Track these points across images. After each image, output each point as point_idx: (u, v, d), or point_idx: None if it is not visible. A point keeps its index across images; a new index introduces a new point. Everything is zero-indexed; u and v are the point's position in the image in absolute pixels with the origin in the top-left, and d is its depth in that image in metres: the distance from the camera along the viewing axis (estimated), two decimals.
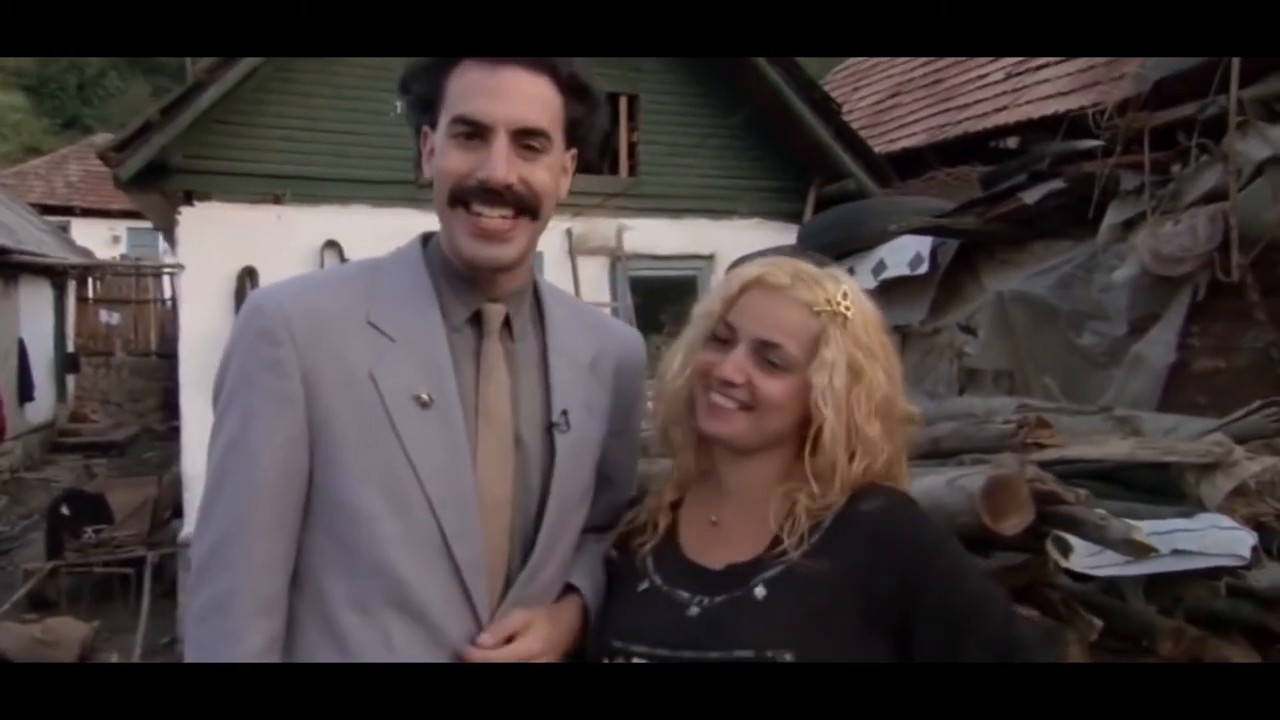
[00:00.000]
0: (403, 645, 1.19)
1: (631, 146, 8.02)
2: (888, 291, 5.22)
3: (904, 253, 5.28)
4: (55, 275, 14.37)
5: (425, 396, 1.20)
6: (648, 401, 1.47)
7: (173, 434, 10.95)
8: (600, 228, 7.72)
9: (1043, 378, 4.28)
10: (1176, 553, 1.57)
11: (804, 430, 1.25)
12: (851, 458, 1.21)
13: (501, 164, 1.19)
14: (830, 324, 1.23)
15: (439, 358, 1.23)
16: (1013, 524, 1.49)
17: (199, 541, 1.21)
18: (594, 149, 1.35)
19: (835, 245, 5.49)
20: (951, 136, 8.31)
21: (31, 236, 14.08)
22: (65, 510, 7.88)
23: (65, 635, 6.21)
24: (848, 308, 1.24)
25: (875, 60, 11.37)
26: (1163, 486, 1.82)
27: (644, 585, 1.27)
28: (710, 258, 7.90)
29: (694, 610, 1.21)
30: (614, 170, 8.03)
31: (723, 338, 1.26)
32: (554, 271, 7.25)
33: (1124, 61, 5.44)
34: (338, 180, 6.98)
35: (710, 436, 1.27)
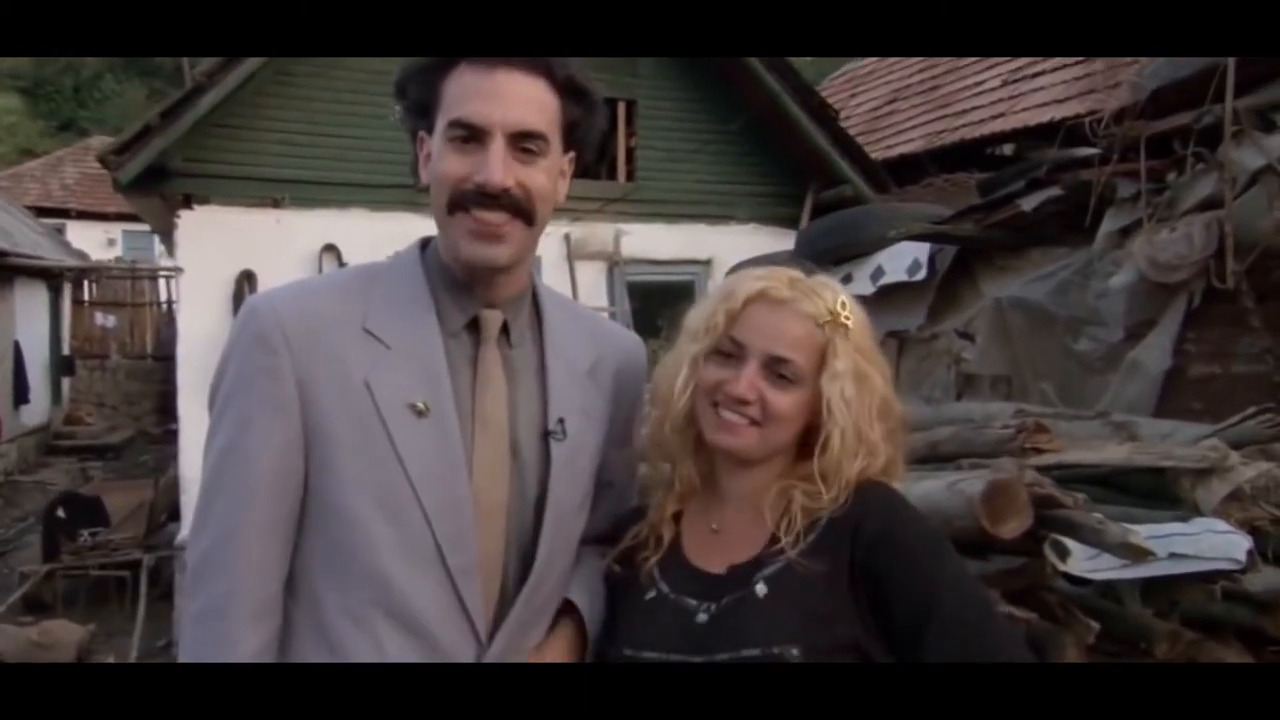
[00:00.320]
0: (396, 654, 1.18)
1: (629, 152, 8.04)
2: (886, 297, 5.23)
3: (902, 259, 5.29)
4: (51, 278, 14.33)
5: (421, 405, 1.20)
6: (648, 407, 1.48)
7: (168, 437, 10.95)
8: (598, 232, 7.73)
9: (1040, 383, 4.29)
10: (1173, 556, 1.58)
11: (804, 436, 1.27)
12: (853, 459, 1.23)
13: (498, 168, 1.19)
14: (835, 334, 1.25)
15: (435, 365, 1.23)
16: (1011, 528, 1.51)
17: (194, 546, 1.21)
18: (592, 151, 1.35)
19: (833, 251, 5.50)
20: (948, 143, 8.32)
21: (27, 239, 14.06)
22: (61, 513, 7.86)
23: (61, 638, 6.19)
24: (848, 317, 1.26)
25: (872, 66, 11.40)
26: (1159, 491, 1.83)
27: (651, 594, 1.29)
28: (707, 263, 7.92)
29: (702, 617, 1.23)
30: (612, 175, 8.05)
31: (729, 353, 1.28)
32: (552, 276, 7.27)
33: (1120, 69, 5.46)
34: (336, 184, 6.99)
35: (719, 449, 1.28)
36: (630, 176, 8.04)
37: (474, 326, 1.28)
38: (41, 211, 18.28)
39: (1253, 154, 3.55)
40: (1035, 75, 8.01)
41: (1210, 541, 1.62)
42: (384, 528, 1.18)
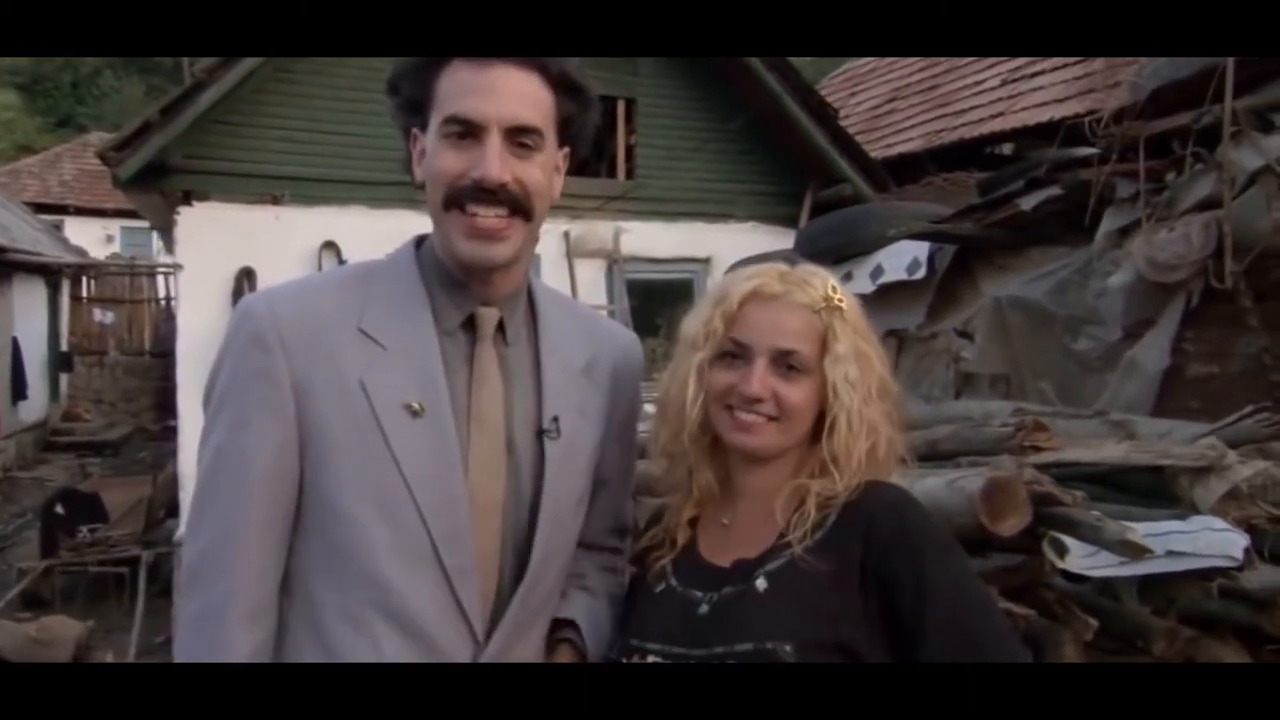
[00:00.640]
0: (393, 654, 1.18)
1: (629, 150, 8.04)
2: (885, 296, 5.24)
3: (902, 258, 5.29)
4: (49, 274, 14.32)
5: (416, 405, 1.20)
6: (645, 404, 1.48)
7: (166, 434, 10.95)
8: (597, 230, 7.73)
9: (1038, 382, 4.30)
10: (1170, 554, 1.59)
11: (816, 424, 1.28)
12: (860, 440, 1.25)
13: (495, 163, 1.18)
14: (832, 318, 1.27)
15: (430, 365, 1.23)
16: (1010, 525, 1.52)
17: (189, 547, 1.20)
18: (586, 146, 1.34)
19: (833, 250, 5.51)
20: (948, 142, 8.33)
21: (26, 235, 14.04)
22: (60, 509, 7.86)
23: (60, 634, 6.20)
24: (840, 299, 1.28)
25: (872, 65, 11.40)
26: (1157, 489, 1.84)
27: (661, 587, 1.31)
28: (706, 261, 7.92)
29: (704, 608, 1.24)
30: (611, 173, 8.05)
31: (733, 354, 1.28)
32: (551, 274, 7.27)
33: (1120, 69, 5.47)
34: (336, 181, 6.98)
35: (739, 449, 1.29)
36: (630, 174, 8.04)
37: (469, 324, 1.28)
38: (40, 208, 18.27)
39: (1251, 154, 3.56)
40: (1034, 75, 8.01)
41: (1208, 539, 1.63)
42: (380, 528, 1.18)
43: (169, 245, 8.35)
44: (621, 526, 1.50)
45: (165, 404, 12.34)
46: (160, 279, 15.92)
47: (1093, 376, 4.08)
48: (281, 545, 1.20)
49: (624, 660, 1.27)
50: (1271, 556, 1.73)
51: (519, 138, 1.20)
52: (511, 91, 1.20)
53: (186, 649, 1.19)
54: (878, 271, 5.42)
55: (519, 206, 1.21)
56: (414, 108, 1.25)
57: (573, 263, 7.61)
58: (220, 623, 1.16)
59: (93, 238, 19.13)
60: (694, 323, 1.33)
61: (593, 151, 8.03)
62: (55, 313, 14.84)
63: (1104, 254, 4.09)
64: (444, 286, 1.27)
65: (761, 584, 1.20)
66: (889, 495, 1.24)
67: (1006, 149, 8.10)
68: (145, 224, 11.19)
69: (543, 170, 1.24)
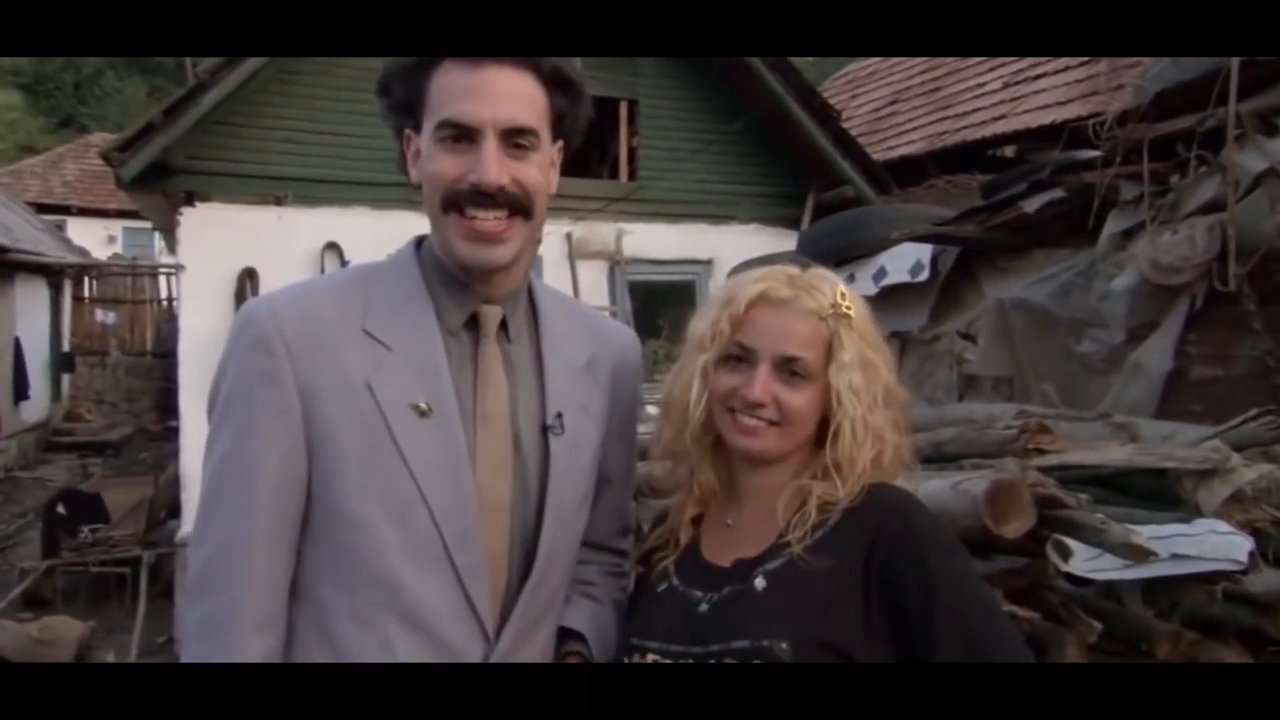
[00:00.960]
0: (406, 656, 1.18)
1: (631, 151, 8.03)
2: (888, 298, 5.23)
3: (905, 260, 5.29)
4: (51, 274, 14.34)
5: (424, 405, 1.20)
6: (647, 405, 1.48)
7: (168, 434, 10.96)
8: (600, 232, 7.73)
9: (1042, 384, 4.30)
10: (1174, 557, 1.59)
11: (820, 429, 1.28)
12: (865, 448, 1.24)
13: (493, 166, 1.18)
14: (839, 325, 1.26)
15: (436, 364, 1.22)
16: (1014, 528, 1.51)
17: (195, 554, 1.20)
18: (580, 139, 1.34)
19: (836, 252, 5.50)
20: (950, 144, 8.32)
21: (28, 235, 14.07)
22: (62, 509, 7.86)
23: (62, 634, 6.20)
24: (849, 307, 1.27)
25: (874, 67, 11.40)
26: (1161, 492, 1.84)
27: (663, 586, 1.31)
28: (709, 263, 7.92)
29: (703, 607, 1.24)
30: (614, 175, 8.05)
31: (738, 357, 1.28)
32: (553, 275, 7.27)
33: (1123, 72, 5.46)
34: (339, 182, 6.99)
35: (740, 452, 1.29)
36: (632, 176, 8.04)
37: (473, 323, 1.28)
38: (42, 208, 18.30)
39: (1255, 157, 3.56)
40: (1037, 77, 8.00)
41: (1211, 542, 1.63)
42: (390, 529, 1.17)
43: (171, 246, 8.34)
44: (625, 527, 1.50)
45: (167, 404, 12.36)
46: (162, 279, 15.94)
47: (1096, 379, 4.08)
48: (290, 553, 1.20)
49: (624, 659, 1.27)
50: (1276, 560, 1.73)
51: (515, 139, 1.20)
52: (505, 93, 1.19)
53: (194, 658, 1.18)
54: (880, 274, 5.41)
55: (518, 207, 1.21)
56: (406, 109, 1.24)
57: (575, 264, 7.61)
58: (228, 632, 1.15)
59: (95, 238, 19.15)
60: (701, 323, 1.33)
61: (595, 153, 8.06)
62: (57, 313, 14.86)
63: (1107, 257, 4.08)
64: (446, 286, 1.27)
65: (760, 583, 1.21)
66: (893, 497, 1.24)
67: (1009, 151, 8.09)
68: (147, 224, 11.18)
69: (540, 169, 1.24)
